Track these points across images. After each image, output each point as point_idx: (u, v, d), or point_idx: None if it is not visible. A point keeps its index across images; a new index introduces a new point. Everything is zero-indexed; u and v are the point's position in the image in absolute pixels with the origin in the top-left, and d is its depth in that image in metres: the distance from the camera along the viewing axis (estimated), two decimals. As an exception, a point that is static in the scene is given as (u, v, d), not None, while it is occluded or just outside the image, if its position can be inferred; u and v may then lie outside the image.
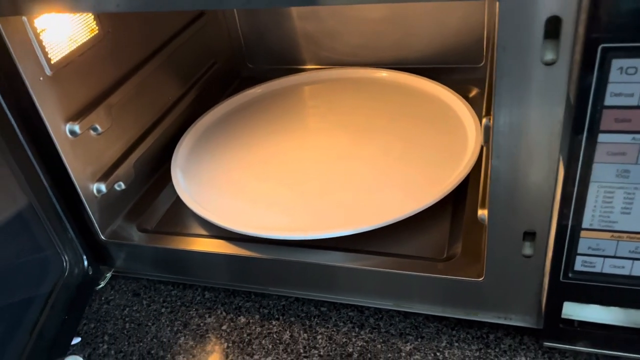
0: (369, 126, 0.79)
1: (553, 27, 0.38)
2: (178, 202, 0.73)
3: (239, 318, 0.64)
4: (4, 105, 0.54)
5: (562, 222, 0.43)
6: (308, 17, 0.96)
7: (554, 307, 0.49)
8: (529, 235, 0.49)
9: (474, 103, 0.80)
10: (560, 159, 0.42)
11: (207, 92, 0.91)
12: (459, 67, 0.91)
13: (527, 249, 0.50)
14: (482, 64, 0.89)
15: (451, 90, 0.82)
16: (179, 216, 0.72)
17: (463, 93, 0.83)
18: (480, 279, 0.54)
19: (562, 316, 0.49)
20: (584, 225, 0.43)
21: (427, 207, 0.62)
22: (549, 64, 0.39)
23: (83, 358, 0.61)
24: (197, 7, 0.47)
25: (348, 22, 0.94)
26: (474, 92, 0.87)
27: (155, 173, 0.78)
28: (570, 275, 0.46)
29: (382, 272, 0.59)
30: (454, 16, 0.88)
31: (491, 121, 0.49)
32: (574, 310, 0.49)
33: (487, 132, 0.50)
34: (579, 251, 0.44)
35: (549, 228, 0.48)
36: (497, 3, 0.38)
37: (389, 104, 0.83)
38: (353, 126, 0.80)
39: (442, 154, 0.71)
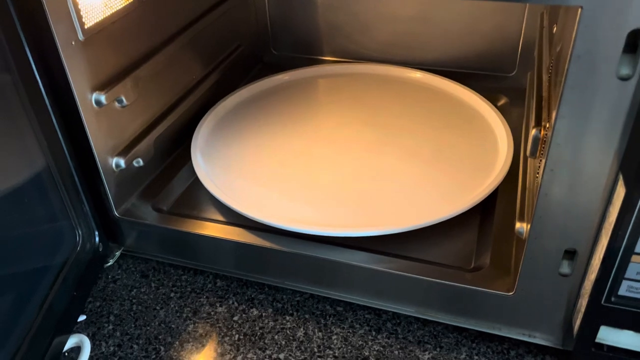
0: (396, 126, 0.77)
1: (633, 42, 0.36)
2: (195, 184, 0.71)
3: (251, 310, 0.62)
4: (33, 65, 0.51)
5: (613, 244, 0.42)
6: (339, 9, 0.94)
7: (590, 330, 0.47)
8: (569, 254, 0.48)
9: (502, 112, 0.78)
10: (621, 178, 0.40)
11: (229, 75, 0.89)
12: (489, 75, 0.90)
13: (565, 268, 0.48)
14: (513, 74, 0.88)
15: (482, 97, 0.81)
16: (196, 199, 0.70)
17: (492, 101, 0.81)
18: (510, 294, 0.53)
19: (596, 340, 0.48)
20: (637, 249, 0.41)
21: (458, 214, 0.60)
22: (623, 79, 0.37)
23: (87, 336, 0.59)
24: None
25: (379, 18, 0.92)
26: (502, 101, 0.85)
27: (173, 152, 0.76)
28: (612, 299, 0.44)
29: (405, 276, 0.57)
30: (489, 22, 0.86)
31: (542, 133, 0.47)
32: (607, 335, 0.48)
33: (536, 144, 0.48)
34: (626, 276, 0.43)
35: (592, 248, 0.46)
36: (580, 10, 0.36)
37: (418, 106, 0.81)
38: (380, 124, 0.78)
39: (472, 160, 0.69)
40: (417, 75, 0.87)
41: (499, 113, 0.77)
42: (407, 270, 0.58)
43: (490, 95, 0.83)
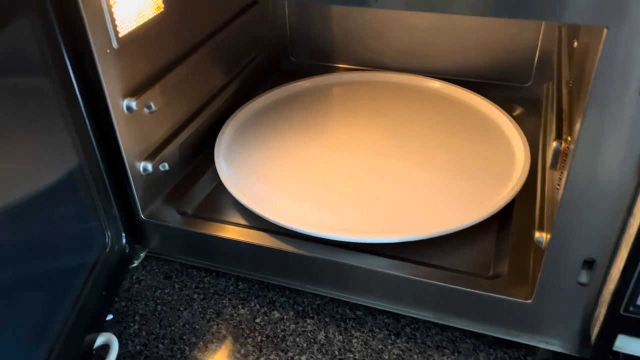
0: (414, 134, 0.79)
1: (656, 60, 0.38)
2: (218, 188, 0.73)
3: (272, 312, 0.64)
4: (70, 71, 0.53)
5: (634, 254, 0.43)
6: (356, 17, 0.95)
7: (607, 338, 0.48)
8: (588, 264, 0.49)
9: (518, 122, 0.79)
10: (643, 191, 0.42)
11: (249, 82, 0.91)
12: (504, 85, 0.91)
13: (584, 277, 0.50)
14: (528, 84, 0.89)
15: (498, 107, 0.82)
16: (219, 202, 0.72)
17: (507, 111, 0.82)
18: (529, 301, 0.54)
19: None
20: (657, 260, 0.42)
21: (478, 222, 0.61)
22: (647, 96, 0.39)
23: (114, 335, 0.61)
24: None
25: (396, 27, 0.94)
26: (518, 111, 0.86)
27: (196, 157, 0.78)
28: (631, 308, 0.46)
29: (424, 282, 0.59)
30: (505, 32, 0.87)
31: (563, 146, 0.49)
32: (624, 343, 0.49)
33: (557, 156, 0.49)
34: (645, 286, 0.44)
35: (612, 258, 0.47)
36: (605, 30, 0.38)
37: (435, 114, 0.83)
38: (398, 132, 0.80)
39: (489, 169, 0.71)
40: (436, 84, 0.88)
41: (515, 123, 0.78)
42: (427, 276, 0.59)
43: (506, 105, 0.84)
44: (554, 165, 0.51)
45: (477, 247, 0.63)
